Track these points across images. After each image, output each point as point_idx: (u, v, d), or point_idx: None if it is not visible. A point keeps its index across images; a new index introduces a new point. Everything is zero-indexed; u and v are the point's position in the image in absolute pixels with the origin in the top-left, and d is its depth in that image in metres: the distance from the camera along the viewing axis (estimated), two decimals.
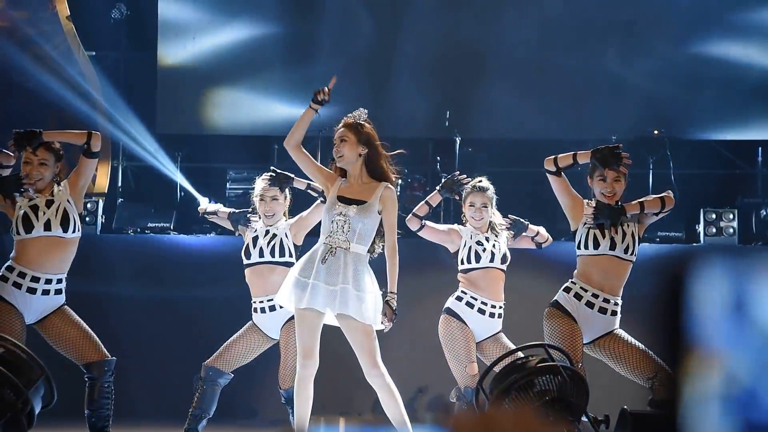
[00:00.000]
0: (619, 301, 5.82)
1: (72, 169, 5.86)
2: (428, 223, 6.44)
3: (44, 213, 5.66)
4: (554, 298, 5.83)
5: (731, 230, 9.26)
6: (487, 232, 6.44)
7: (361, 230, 5.48)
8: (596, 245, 5.77)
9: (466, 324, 6.33)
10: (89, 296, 8.53)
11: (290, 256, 6.37)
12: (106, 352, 5.72)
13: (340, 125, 5.59)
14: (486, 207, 6.41)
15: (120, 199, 10.57)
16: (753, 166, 10.48)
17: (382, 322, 5.48)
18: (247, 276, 6.44)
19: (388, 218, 5.54)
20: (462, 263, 6.41)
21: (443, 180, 6.58)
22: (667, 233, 9.40)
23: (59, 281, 5.72)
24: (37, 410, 4.80)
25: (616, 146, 5.78)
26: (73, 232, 5.71)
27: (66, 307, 5.77)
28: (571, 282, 5.82)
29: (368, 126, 5.57)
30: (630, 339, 5.81)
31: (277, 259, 6.37)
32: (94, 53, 11.03)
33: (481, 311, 6.33)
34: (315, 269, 5.43)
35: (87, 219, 9.51)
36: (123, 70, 11.29)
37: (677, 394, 0.93)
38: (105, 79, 10.90)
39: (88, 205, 9.56)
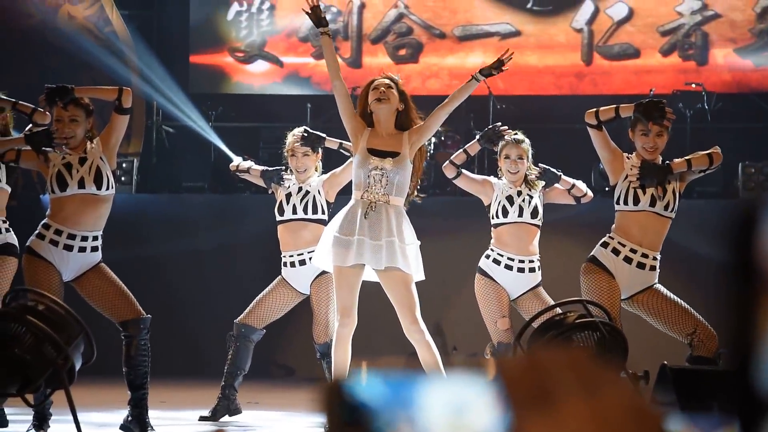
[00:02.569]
0: (658, 256, 5.75)
1: (105, 127, 5.86)
2: (465, 171, 6.40)
3: (78, 171, 5.66)
4: (591, 254, 5.78)
5: None
6: (521, 186, 6.37)
7: (399, 183, 5.47)
8: (636, 201, 5.70)
9: (496, 281, 6.29)
10: (125, 255, 8.58)
11: (323, 213, 6.37)
12: (142, 310, 5.74)
13: (381, 77, 5.62)
14: (522, 159, 6.33)
15: (155, 159, 10.60)
16: None
17: (503, 59, 5.67)
18: (280, 232, 6.45)
19: (428, 122, 5.59)
20: (492, 218, 6.38)
21: (484, 130, 6.54)
22: (705, 188, 9.30)
23: (95, 238, 5.74)
24: (78, 366, 4.82)
25: (659, 100, 5.70)
26: (107, 189, 5.72)
27: (103, 264, 5.79)
28: (609, 237, 5.76)
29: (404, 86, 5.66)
30: (669, 294, 5.76)
31: (309, 216, 6.36)
32: (127, 12, 11.02)
33: (508, 267, 6.27)
34: (358, 225, 5.40)
35: (123, 179, 9.54)
36: (156, 29, 11.27)
37: (749, 346, 0.88)
38: (138, 39, 10.89)
39: (124, 165, 9.58)
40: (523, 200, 6.32)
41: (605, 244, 5.74)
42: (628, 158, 5.76)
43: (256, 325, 6.41)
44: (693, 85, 10.17)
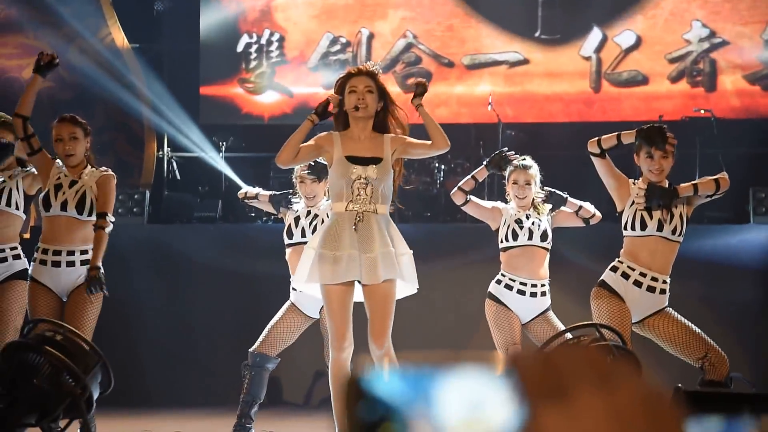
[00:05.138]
0: (668, 280, 5.75)
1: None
2: (473, 198, 6.43)
3: (64, 193, 5.72)
4: (601, 278, 5.78)
5: None
6: (529, 210, 6.40)
7: (383, 190, 5.12)
8: (643, 226, 5.71)
9: (507, 307, 6.29)
10: (138, 285, 8.60)
11: None
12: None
13: (358, 73, 5.18)
14: (529, 185, 6.37)
15: (166, 190, 10.64)
16: None
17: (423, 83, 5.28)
18: (288, 256, 6.44)
19: (416, 148, 5.18)
20: (501, 242, 6.39)
21: (492, 155, 6.57)
22: (715, 213, 9.28)
23: (83, 252, 5.74)
24: (96, 396, 4.83)
25: (661, 125, 5.73)
26: (89, 215, 5.74)
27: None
28: (618, 261, 5.76)
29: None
30: (680, 318, 5.75)
31: None
32: (138, 45, 11.10)
33: (521, 292, 6.28)
34: (348, 239, 5.02)
35: (135, 209, 9.59)
36: (167, 61, 11.35)
37: None
38: (149, 71, 10.96)
39: (136, 196, 9.64)
40: (533, 223, 6.35)
41: (614, 268, 5.75)
42: (634, 184, 5.78)
43: (270, 352, 6.41)
44: (702, 111, 10.19)
